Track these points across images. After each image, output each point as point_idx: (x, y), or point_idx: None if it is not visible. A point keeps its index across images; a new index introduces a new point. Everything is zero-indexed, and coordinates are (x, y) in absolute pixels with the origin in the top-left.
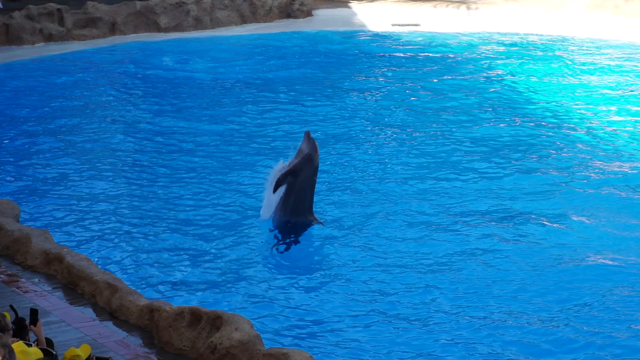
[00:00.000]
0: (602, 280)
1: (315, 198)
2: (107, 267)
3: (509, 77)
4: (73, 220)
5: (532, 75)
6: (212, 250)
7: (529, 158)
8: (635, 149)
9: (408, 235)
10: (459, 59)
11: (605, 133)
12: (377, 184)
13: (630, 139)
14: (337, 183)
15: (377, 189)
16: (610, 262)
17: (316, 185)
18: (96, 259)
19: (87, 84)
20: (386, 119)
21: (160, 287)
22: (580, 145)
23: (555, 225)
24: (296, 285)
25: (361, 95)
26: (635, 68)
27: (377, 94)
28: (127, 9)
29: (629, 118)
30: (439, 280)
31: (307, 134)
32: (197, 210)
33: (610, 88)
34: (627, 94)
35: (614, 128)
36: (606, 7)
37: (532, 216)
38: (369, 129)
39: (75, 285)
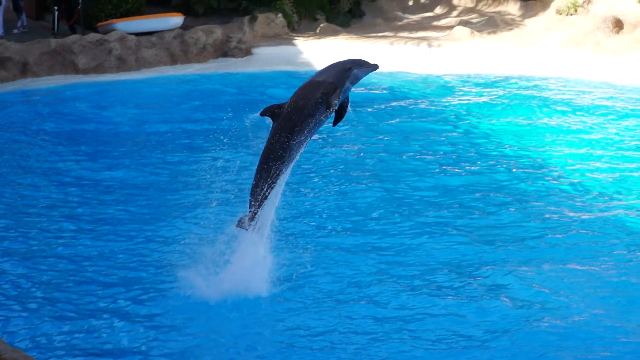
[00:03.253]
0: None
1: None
2: (16, 342)
3: (475, 120)
4: None
5: (502, 118)
6: (142, 318)
7: (500, 206)
8: (616, 195)
9: (372, 292)
10: (420, 101)
11: (582, 179)
12: (337, 239)
13: (611, 185)
14: (290, 237)
15: (337, 243)
16: (589, 319)
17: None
18: (4, 334)
19: None
20: (340, 166)
21: None
22: (555, 192)
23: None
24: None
25: (310, 142)
26: (618, 110)
27: (330, 140)
28: (40, 48)
29: (607, 164)
30: (399, 344)
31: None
32: (121, 271)
33: (589, 132)
34: (608, 137)
35: (591, 174)
36: (585, 44)
37: (505, 267)
38: (318, 178)
39: None
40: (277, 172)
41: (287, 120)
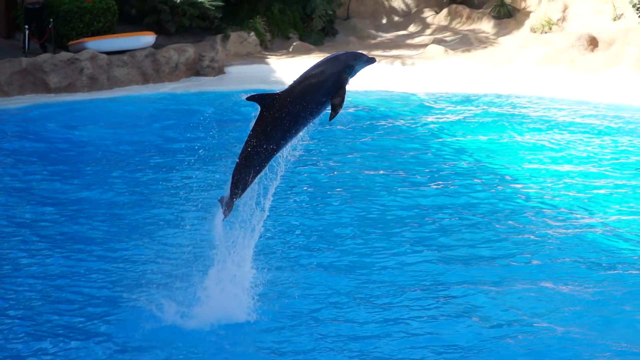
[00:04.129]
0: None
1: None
2: None
3: (450, 138)
4: None
5: (476, 136)
6: (116, 339)
7: (473, 224)
8: (589, 213)
9: (347, 311)
10: (395, 119)
11: (556, 197)
12: (312, 259)
13: (585, 202)
14: (265, 256)
15: (312, 263)
16: (564, 338)
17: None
18: None
19: None
20: (313, 185)
21: None
22: (529, 210)
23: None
24: None
25: (285, 161)
26: (593, 127)
27: (303, 158)
28: (11, 67)
29: (581, 182)
30: None
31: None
32: (95, 291)
33: (563, 150)
34: (582, 155)
35: (566, 192)
36: (560, 62)
37: (478, 286)
38: (292, 196)
39: None
40: (261, 167)
41: (283, 118)
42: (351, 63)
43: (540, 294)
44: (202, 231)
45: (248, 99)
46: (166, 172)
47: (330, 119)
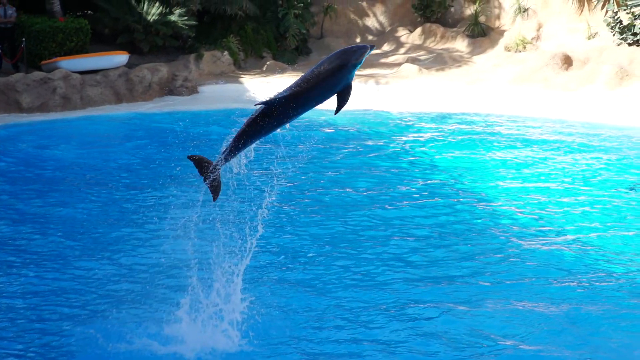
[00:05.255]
0: None
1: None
2: None
3: (423, 157)
4: None
5: (450, 154)
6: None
7: (446, 243)
8: (562, 230)
9: (323, 330)
10: (368, 138)
11: (530, 214)
12: (286, 277)
13: (558, 220)
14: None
15: (285, 281)
16: (539, 357)
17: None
18: None
19: None
20: (287, 203)
21: None
22: (503, 228)
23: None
24: None
25: (257, 182)
26: (567, 145)
27: (277, 179)
28: None
29: (554, 199)
30: None
31: (373, 47)
32: (70, 310)
33: (536, 167)
34: (555, 172)
35: (540, 210)
36: (534, 80)
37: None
38: (266, 215)
39: None
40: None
41: (284, 116)
42: (358, 61)
43: (514, 313)
44: (178, 251)
45: (257, 104)
46: (140, 191)
47: (335, 114)
